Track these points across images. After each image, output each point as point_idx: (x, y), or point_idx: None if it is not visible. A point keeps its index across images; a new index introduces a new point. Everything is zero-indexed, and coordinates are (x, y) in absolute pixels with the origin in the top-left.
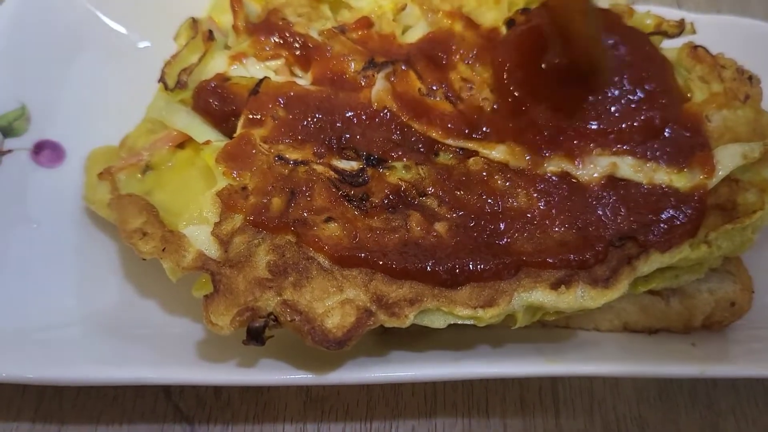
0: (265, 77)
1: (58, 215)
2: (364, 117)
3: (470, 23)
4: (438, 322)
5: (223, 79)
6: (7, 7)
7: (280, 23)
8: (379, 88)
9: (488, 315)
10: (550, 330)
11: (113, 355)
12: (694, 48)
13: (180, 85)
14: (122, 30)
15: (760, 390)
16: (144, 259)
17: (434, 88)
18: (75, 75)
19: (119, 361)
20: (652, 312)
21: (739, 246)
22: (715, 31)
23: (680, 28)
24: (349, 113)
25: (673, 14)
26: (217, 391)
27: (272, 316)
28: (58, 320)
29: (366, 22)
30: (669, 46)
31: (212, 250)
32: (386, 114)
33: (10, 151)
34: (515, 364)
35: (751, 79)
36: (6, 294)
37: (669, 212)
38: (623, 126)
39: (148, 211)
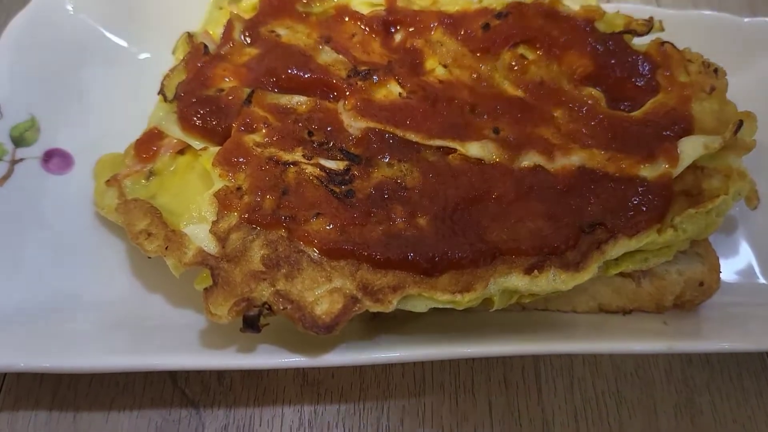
0: (256, 89)
1: (69, 218)
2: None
3: (450, 29)
4: (419, 306)
5: (217, 90)
6: (16, 25)
7: (269, 35)
8: (348, 122)
9: (466, 299)
10: (530, 312)
11: (123, 344)
12: (661, 44)
13: (178, 97)
14: (123, 44)
15: (734, 366)
16: (149, 257)
17: (414, 91)
18: (81, 87)
19: (129, 350)
20: (625, 293)
21: (705, 229)
22: (691, 26)
23: (649, 26)
24: (335, 120)
25: (650, 11)
26: (221, 376)
27: (266, 306)
28: (73, 315)
29: (350, 32)
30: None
31: (211, 246)
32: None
33: (21, 159)
34: (496, 344)
35: (717, 71)
36: (23, 293)
37: (636, 200)
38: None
39: (152, 214)
